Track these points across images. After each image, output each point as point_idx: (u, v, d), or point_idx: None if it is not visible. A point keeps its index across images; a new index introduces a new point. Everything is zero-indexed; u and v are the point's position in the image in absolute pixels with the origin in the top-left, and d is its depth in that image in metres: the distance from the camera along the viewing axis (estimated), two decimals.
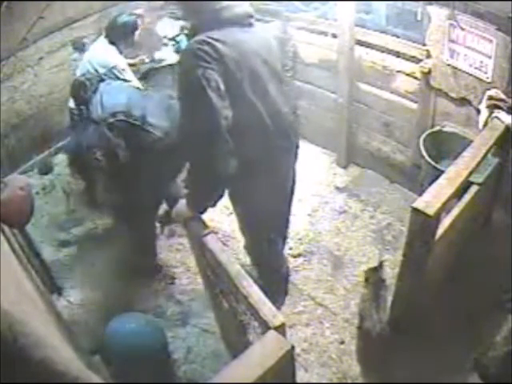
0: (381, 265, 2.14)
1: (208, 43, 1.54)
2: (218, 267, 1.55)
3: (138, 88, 2.98)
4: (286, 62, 1.98)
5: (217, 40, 1.56)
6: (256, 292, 1.34)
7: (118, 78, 2.92)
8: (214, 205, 1.73)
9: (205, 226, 1.67)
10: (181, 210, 1.76)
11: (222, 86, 1.55)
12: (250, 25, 1.74)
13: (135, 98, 2.44)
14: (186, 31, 1.83)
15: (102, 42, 2.98)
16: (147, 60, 3.62)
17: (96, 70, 2.92)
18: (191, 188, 1.74)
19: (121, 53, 3.02)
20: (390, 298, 2.03)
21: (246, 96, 1.64)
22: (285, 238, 2.37)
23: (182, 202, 1.75)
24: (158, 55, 3.69)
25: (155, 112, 2.37)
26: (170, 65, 3.63)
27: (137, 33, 3.04)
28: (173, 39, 3.65)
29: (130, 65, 3.30)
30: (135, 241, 2.69)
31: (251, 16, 1.75)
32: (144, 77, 3.53)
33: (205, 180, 1.66)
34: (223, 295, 1.70)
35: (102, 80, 2.53)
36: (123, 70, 2.95)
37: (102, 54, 2.93)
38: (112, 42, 2.96)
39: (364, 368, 2.11)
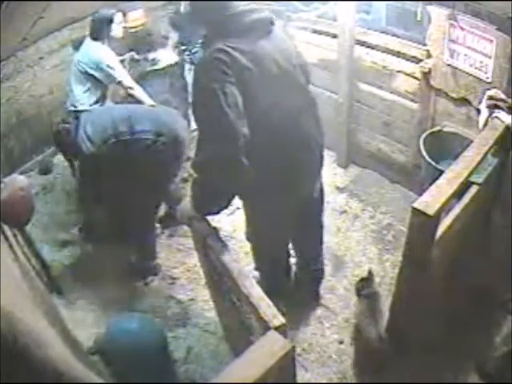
0: (370, 275, 2.12)
1: (225, 51, 1.48)
2: (221, 267, 1.54)
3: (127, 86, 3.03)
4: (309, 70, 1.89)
5: (234, 48, 1.49)
6: (257, 292, 1.34)
7: (108, 72, 2.96)
8: (218, 213, 1.71)
9: (209, 225, 1.66)
10: (185, 209, 1.75)
11: (240, 100, 1.48)
12: (270, 31, 1.65)
13: (118, 113, 2.48)
14: (202, 40, 1.74)
15: (87, 41, 3.03)
16: (136, 57, 3.60)
17: (85, 71, 2.96)
18: (198, 195, 1.69)
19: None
20: (389, 299, 2.03)
21: (261, 107, 1.57)
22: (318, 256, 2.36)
23: (187, 202, 1.73)
24: (152, 55, 3.66)
25: (140, 119, 2.40)
26: (167, 67, 3.60)
27: (113, 26, 3.07)
28: (187, 49, 3.60)
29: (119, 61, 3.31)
30: (135, 242, 2.69)
31: (271, 22, 1.67)
32: (139, 81, 3.50)
33: (213, 192, 1.62)
34: (227, 295, 1.70)
35: (76, 113, 2.53)
36: (110, 65, 2.98)
37: (88, 53, 2.98)
38: (95, 38, 3.00)
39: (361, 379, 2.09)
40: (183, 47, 3.59)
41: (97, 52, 2.97)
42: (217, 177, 1.56)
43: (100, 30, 3.01)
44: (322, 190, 2.10)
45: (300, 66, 1.76)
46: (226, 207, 1.69)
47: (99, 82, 3.01)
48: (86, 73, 2.98)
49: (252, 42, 1.56)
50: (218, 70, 1.47)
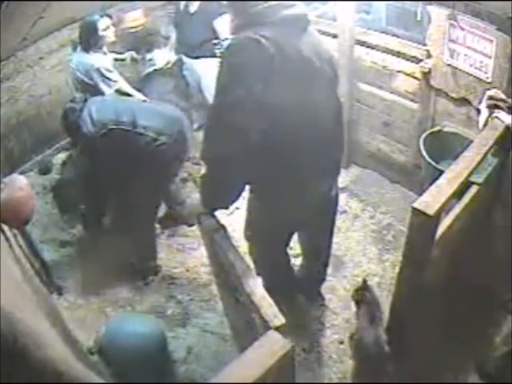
0: (365, 283, 2.10)
1: (251, 39, 1.46)
2: (227, 264, 1.54)
3: (125, 92, 3.03)
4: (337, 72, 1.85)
5: (263, 37, 1.46)
6: (260, 291, 1.33)
7: (105, 78, 2.95)
8: (227, 207, 1.73)
9: (217, 222, 1.66)
10: (194, 206, 1.75)
11: (258, 93, 1.45)
12: (305, 28, 1.63)
13: (123, 105, 2.51)
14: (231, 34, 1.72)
15: (80, 52, 2.99)
16: (136, 56, 3.60)
17: (81, 79, 2.95)
18: (207, 189, 1.70)
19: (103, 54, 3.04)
20: (389, 299, 2.02)
21: (282, 97, 1.53)
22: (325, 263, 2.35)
23: (195, 199, 1.74)
24: (149, 56, 3.67)
25: (145, 114, 2.41)
26: (166, 66, 3.60)
27: (101, 32, 2.98)
28: (218, 43, 3.58)
29: (119, 59, 3.31)
30: (135, 242, 2.70)
31: (307, 20, 1.65)
32: (141, 83, 3.50)
33: (221, 186, 1.63)
34: (233, 293, 1.69)
35: (85, 98, 2.54)
36: (106, 74, 2.96)
37: (82, 63, 2.96)
38: (85, 49, 2.96)
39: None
40: (215, 41, 3.57)
41: (91, 62, 2.93)
42: (225, 170, 1.56)
43: (88, 39, 2.95)
44: (337, 194, 2.06)
45: (330, 66, 1.72)
46: (234, 201, 1.70)
47: (98, 91, 2.96)
48: (83, 82, 2.95)
49: (282, 33, 1.53)
50: (240, 62, 1.46)
